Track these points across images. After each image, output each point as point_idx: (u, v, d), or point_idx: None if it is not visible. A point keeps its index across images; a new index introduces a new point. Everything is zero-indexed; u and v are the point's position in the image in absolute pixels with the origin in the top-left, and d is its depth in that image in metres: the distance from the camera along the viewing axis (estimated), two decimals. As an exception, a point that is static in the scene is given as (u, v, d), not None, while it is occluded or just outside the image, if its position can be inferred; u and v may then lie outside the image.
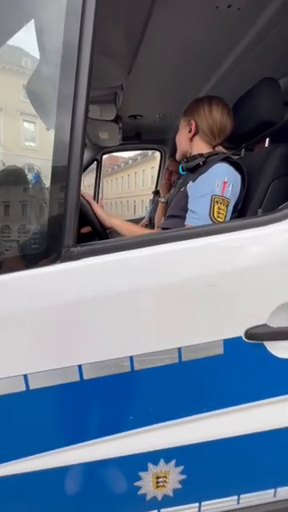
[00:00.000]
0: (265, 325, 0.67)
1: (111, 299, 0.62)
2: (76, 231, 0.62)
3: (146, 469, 0.70)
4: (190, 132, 1.06)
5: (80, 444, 0.66)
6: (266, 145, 1.27)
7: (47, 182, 0.65)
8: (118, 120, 2.00)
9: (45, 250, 0.62)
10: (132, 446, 0.67)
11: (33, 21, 0.71)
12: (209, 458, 0.71)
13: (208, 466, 0.72)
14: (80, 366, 0.61)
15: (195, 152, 1.06)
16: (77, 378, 0.61)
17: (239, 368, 0.68)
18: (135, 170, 28.50)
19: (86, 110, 0.59)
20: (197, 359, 0.65)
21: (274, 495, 0.79)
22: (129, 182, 30.59)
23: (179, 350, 0.64)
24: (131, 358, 0.63)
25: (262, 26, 1.14)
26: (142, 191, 26.11)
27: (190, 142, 1.08)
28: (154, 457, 0.68)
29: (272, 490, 0.78)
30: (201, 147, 1.07)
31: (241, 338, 0.67)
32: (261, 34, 1.18)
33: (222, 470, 0.74)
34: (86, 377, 0.62)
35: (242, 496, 0.76)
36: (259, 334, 0.67)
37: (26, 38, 0.75)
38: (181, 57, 1.34)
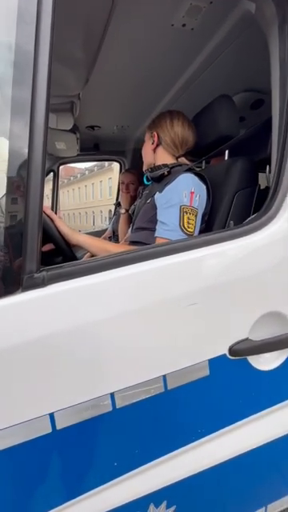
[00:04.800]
0: (247, 339, 0.66)
1: (86, 330, 0.54)
2: (40, 253, 0.54)
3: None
4: (153, 144, 1.09)
5: (58, 508, 0.55)
6: (226, 157, 1.33)
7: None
8: (75, 130, 1.93)
9: (1, 278, 0.52)
10: (117, 496, 0.58)
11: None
12: (202, 489, 0.66)
13: (201, 498, 0.67)
14: (52, 415, 0.51)
15: (159, 162, 1.08)
16: (48, 430, 0.51)
17: (226, 387, 0.65)
18: (92, 181, 28.29)
19: (47, 118, 0.53)
20: (183, 385, 0.60)
21: (265, 512, 0.76)
22: (86, 192, 30.19)
23: (164, 377, 0.59)
24: (112, 395, 0.55)
25: (215, 46, 1.20)
26: (101, 202, 25.94)
27: (154, 154, 1.10)
28: (143, 503, 0.61)
29: (262, 509, 0.76)
30: (164, 158, 1.09)
31: (225, 355, 0.64)
32: (214, 54, 1.25)
33: (216, 498, 0.69)
34: (59, 426, 0.52)
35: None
36: (243, 350, 0.65)
37: None
38: (138, 70, 1.35)
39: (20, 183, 0.52)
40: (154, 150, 1.10)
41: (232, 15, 1.04)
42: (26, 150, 0.52)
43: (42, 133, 0.52)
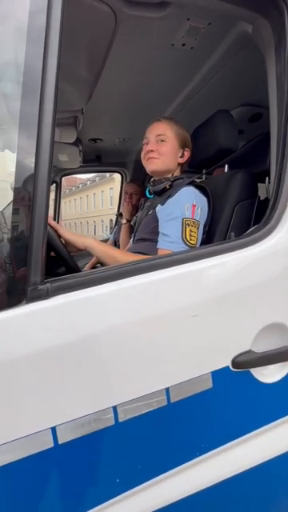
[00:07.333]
0: (249, 351, 0.65)
1: (89, 342, 0.54)
2: (44, 265, 0.54)
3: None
4: (181, 158, 1.12)
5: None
6: (226, 170, 1.35)
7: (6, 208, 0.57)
8: (78, 143, 1.97)
9: (6, 289, 0.52)
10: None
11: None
12: (206, 505, 0.64)
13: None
14: (54, 429, 0.51)
15: (176, 174, 1.11)
16: (50, 445, 0.51)
17: (229, 400, 0.65)
18: (94, 191, 28.62)
19: (53, 132, 0.54)
20: (186, 397, 0.60)
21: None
22: (88, 202, 30.49)
23: (167, 390, 0.58)
24: (115, 408, 0.54)
25: (214, 64, 1.25)
26: (102, 211, 26.16)
27: (178, 167, 1.13)
28: (146, 522, 0.59)
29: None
30: (178, 173, 1.13)
31: (228, 367, 0.64)
32: (212, 71, 1.29)
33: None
34: (61, 441, 0.51)
35: None
36: (245, 362, 0.64)
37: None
38: (139, 87, 1.40)
39: (26, 195, 0.53)
40: (179, 165, 1.13)
41: (230, 35, 1.09)
42: (33, 164, 0.53)
43: (49, 147, 0.54)
